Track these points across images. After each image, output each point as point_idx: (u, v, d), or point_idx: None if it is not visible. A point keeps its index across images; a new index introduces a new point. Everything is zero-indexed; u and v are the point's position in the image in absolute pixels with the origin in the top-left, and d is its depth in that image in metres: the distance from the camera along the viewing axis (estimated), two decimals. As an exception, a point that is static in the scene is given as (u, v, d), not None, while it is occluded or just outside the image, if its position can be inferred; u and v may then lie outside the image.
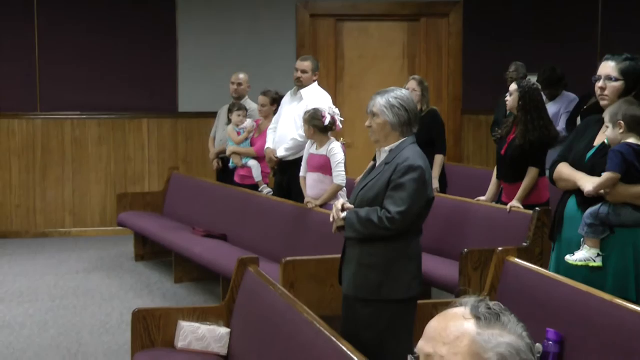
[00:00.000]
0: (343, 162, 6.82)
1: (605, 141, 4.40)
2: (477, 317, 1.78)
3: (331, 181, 6.83)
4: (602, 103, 4.52)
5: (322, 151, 6.86)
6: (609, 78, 4.47)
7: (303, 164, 7.14)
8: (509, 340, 1.75)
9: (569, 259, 4.39)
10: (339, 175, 6.80)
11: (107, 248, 10.08)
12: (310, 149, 7.02)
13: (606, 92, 4.48)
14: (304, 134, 7.55)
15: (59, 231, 10.87)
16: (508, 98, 6.63)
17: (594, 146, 4.52)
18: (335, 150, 6.81)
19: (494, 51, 10.93)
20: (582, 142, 4.60)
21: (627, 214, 4.28)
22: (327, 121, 6.86)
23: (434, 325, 1.82)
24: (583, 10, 11.14)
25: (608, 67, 4.49)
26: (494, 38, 11.07)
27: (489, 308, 1.80)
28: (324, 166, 6.85)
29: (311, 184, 6.96)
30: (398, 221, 4.29)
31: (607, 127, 4.35)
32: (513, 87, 6.59)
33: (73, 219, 10.91)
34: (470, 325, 1.77)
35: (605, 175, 4.26)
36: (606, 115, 4.37)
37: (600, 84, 4.51)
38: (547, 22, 11.09)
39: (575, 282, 4.13)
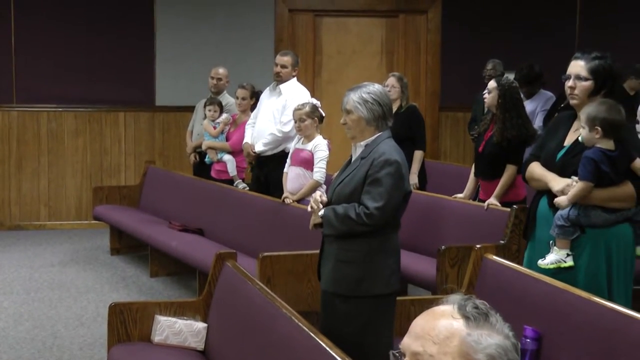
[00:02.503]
0: (326, 159, 6.80)
1: (579, 139, 4.41)
2: (465, 317, 1.78)
3: (312, 177, 6.82)
4: (572, 102, 4.53)
5: (308, 146, 6.85)
6: (578, 77, 4.46)
7: (288, 159, 7.12)
8: (497, 340, 1.76)
9: (541, 263, 4.43)
10: (319, 172, 6.78)
11: (83, 241, 10.03)
12: (297, 144, 7.01)
13: (576, 92, 4.48)
14: (282, 129, 7.55)
15: (34, 224, 10.80)
16: (486, 95, 6.64)
17: (565, 145, 4.54)
18: (321, 147, 6.80)
19: (473, 48, 10.96)
20: (554, 141, 4.62)
21: (597, 216, 4.35)
22: (322, 112, 6.90)
23: (422, 323, 1.81)
24: (562, 8, 11.19)
25: (577, 66, 4.49)
26: (473, 35, 11.10)
27: (476, 307, 1.80)
28: (308, 161, 6.83)
29: (292, 177, 6.94)
30: (376, 216, 4.29)
31: (583, 127, 4.35)
32: (492, 84, 6.60)
33: (48, 211, 10.84)
34: (459, 325, 1.77)
35: (579, 185, 4.29)
36: (582, 115, 4.36)
37: (569, 83, 4.50)
38: (526, 19, 11.12)
39: (553, 279, 4.15)
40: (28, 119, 10.71)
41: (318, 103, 6.98)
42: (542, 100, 8.90)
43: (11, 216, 10.79)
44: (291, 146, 7.17)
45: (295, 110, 6.89)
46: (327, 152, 6.83)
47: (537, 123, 8.49)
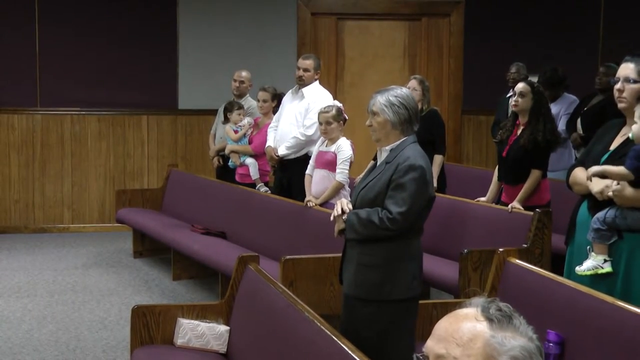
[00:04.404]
0: (349, 160, 6.79)
1: (630, 135, 4.23)
2: (489, 319, 1.77)
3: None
4: (620, 105, 4.38)
5: (332, 148, 6.84)
6: (627, 80, 4.32)
7: (311, 162, 7.13)
8: (521, 342, 1.75)
9: (578, 270, 4.31)
10: (342, 173, 6.78)
11: (106, 244, 10.07)
12: (320, 146, 7.01)
13: (624, 94, 4.32)
14: (305, 133, 7.55)
15: (57, 227, 10.86)
16: (518, 99, 6.52)
17: (610, 150, 4.41)
18: (344, 147, 6.79)
19: (495, 51, 10.93)
20: (600, 146, 4.49)
21: (635, 217, 4.16)
22: (346, 115, 6.93)
23: (445, 326, 1.80)
24: (585, 11, 11.13)
25: (627, 69, 4.34)
26: (495, 38, 11.07)
27: (500, 310, 1.79)
28: (332, 163, 6.83)
29: (317, 180, 6.95)
30: (399, 221, 4.27)
31: (636, 122, 4.17)
32: (525, 88, 6.50)
33: (72, 214, 10.90)
34: (483, 327, 1.76)
35: (620, 168, 4.13)
36: (637, 110, 4.20)
37: (618, 85, 4.35)
38: (549, 22, 11.08)
39: (575, 283, 4.12)
40: (52, 122, 10.77)
41: (341, 106, 6.98)
42: (565, 103, 8.86)
43: (35, 219, 10.85)
44: (314, 149, 7.17)
45: (321, 113, 6.88)
46: (350, 153, 6.81)
47: (560, 127, 8.46)
